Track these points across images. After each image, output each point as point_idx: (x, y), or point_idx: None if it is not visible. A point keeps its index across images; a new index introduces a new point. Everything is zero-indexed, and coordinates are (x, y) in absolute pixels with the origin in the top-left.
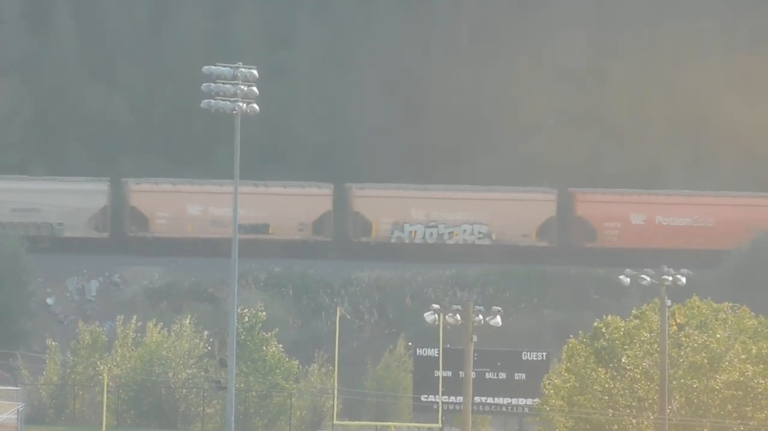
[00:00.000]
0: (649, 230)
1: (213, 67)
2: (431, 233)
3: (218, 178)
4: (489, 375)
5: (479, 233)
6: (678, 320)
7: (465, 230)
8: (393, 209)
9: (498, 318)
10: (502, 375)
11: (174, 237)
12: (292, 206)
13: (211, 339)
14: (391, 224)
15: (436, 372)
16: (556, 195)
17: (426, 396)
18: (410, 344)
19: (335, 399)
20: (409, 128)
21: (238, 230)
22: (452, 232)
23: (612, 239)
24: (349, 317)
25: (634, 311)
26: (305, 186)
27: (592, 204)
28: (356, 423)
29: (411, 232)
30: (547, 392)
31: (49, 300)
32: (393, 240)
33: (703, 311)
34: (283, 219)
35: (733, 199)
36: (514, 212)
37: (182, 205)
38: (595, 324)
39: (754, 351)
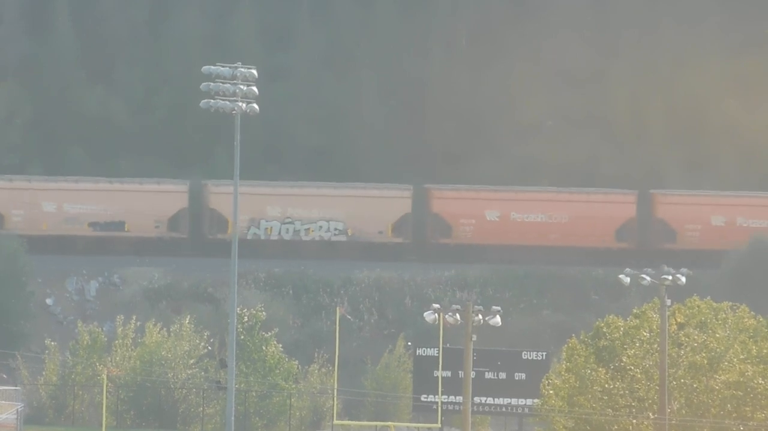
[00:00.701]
0: (503, 226)
1: (212, 67)
2: (287, 229)
3: (217, 178)
4: (489, 375)
5: (335, 229)
6: (678, 320)
7: (321, 227)
8: (249, 205)
9: (497, 318)
10: (502, 375)
11: (29, 235)
12: (148, 203)
13: (211, 340)
14: (248, 221)
15: (435, 371)
16: (412, 192)
17: (426, 395)
18: (410, 344)
19: (335, 398)
20: (408, 129)
21: (93, 228)
22: (308, 228)
23: (467, 235)
24: (350, 318)
25: (634, 311)
26: (161, 183)
27: (447, 200)
28: (356, 423)
29: (267, 229)
30: (546, 392)
31: (49, 301)
32: (249, 237)
33: (703, 310)
34: (139, 216)
35: (587, 195)
36: (369, 208)
37: (37, 202)
38: (597, 323)
39: (754, 351)
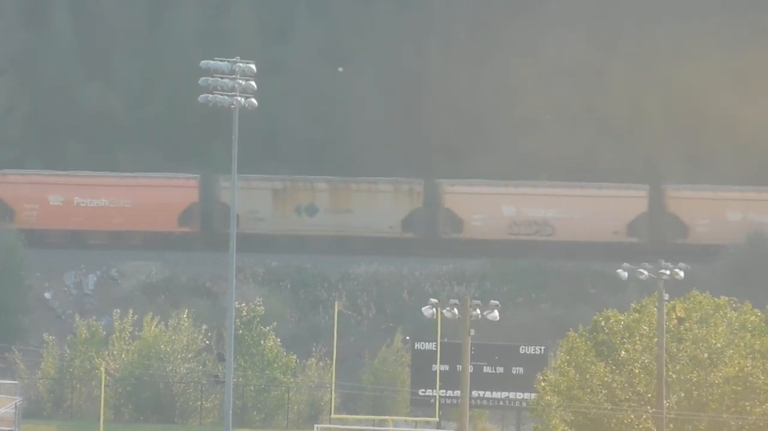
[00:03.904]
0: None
1: (211, 61)
2: None
3: (214, 173)
4: (487, 369)
5: None
6: (678, 314)
7: None
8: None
9: (495, 312)
10: (500, 369)
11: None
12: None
13: (209, 334)
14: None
15: (433, 366)
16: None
17: (423, 390)
18: (408, 338)
19: (333, 393)
20: (407, 124)
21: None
22: None
23: (30, 219)
24: (350, 312)
25: (633, 305)
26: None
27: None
28: (354, 416)
29: None
30: (541, 388)
31: (47, 295)
32: None
33: (704, 305)
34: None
35: (150, 180)
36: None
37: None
38: (595, 317)
39: (757, 346)
